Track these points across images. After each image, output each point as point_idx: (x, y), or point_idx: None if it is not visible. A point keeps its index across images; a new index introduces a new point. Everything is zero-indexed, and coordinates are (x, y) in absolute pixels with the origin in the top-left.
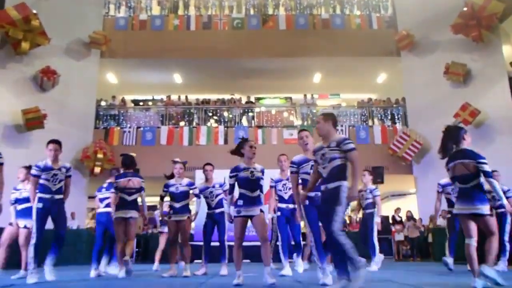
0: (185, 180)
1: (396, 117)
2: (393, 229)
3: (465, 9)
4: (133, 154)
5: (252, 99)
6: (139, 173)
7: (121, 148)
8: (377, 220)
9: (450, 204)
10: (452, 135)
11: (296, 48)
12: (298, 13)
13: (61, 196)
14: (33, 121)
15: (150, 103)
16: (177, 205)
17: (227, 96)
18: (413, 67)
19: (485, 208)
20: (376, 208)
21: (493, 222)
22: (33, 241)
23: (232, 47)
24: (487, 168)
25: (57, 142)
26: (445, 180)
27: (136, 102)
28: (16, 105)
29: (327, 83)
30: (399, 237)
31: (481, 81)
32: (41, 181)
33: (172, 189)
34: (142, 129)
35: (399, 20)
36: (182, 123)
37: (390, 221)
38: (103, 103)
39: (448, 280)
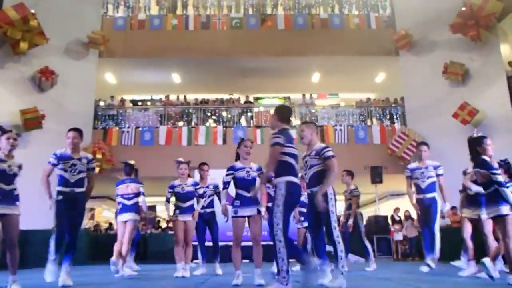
0: (190, 180)
1: (395, 116)
2: (392, 228)
3: (463, 8)
4: (132, 162)
5: (251, 99)
6: (138, 173)
7: (120, 148)
8: (349, 222)
9: (419, 190)
10: (470, 146)
11: (295, 47)
12: (297, 13)
13: (82, 190)
14: (31, 121)
15: (148, 103)
16: (184, 205)
17: (225, 96)
18: (412, 67)
19: (506, 209)
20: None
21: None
22: (54, 235)
23: (230, 47)
24: (499, 178)
25: (77, 130)
26: (414, 164)
27: (134, 102)
28: (15, 105)
29: (325, 83)
30: (398, 236)
31: (480, 81)
32: (58, 172)
33: (177, 189)
34: (140, 129)
35: (397, 19)
36: (180, 123)
37: (389, 220)
38: (101, 103)
39: (447, 279)
